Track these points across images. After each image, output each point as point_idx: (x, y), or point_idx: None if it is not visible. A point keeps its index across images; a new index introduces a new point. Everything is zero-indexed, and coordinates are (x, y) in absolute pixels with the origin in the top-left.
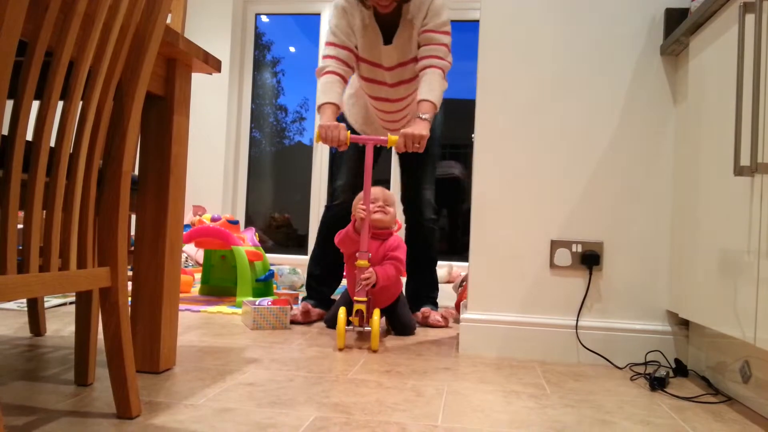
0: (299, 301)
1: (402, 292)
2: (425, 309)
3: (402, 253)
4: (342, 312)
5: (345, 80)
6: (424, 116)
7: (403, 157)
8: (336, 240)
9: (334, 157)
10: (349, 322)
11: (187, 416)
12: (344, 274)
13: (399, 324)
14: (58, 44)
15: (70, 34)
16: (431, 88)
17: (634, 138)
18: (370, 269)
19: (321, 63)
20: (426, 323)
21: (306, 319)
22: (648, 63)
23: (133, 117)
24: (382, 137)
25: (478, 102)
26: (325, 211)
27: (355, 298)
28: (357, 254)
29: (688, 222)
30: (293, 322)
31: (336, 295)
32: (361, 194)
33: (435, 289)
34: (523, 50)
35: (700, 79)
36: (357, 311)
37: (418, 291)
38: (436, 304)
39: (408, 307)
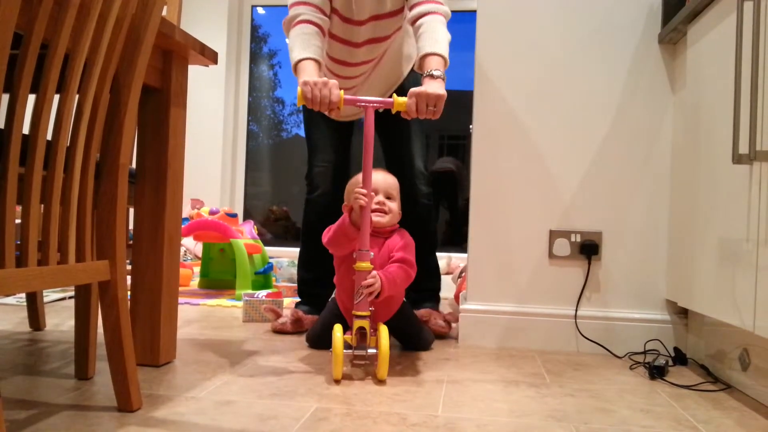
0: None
1: (405, 299)
2: (425, 311)
3: (411, 252)
4: (338, 330)
5: (323, 32)
6: (436, 73)
7: (384, 127)
8: (324, 240)
9: (308, 136)
10: (346, 344)
11: (188, 409)
12: (334, 279)
13: (413, 339)
14: (53, 36)
15: (65, 25)
16: (436, 38)
17: (632, 127)
18: (374, 273)
19: (290, 12)
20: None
21: (297, 329)
22: (646, 52)
23: (129, 109)
24: (386, 99)
25: (476, 93)
26: (305, 205)
27: (355, 311)
28: (355, 254)
29: (687, 211)
30: (281, 332)
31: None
32: (356, 177)
33: (436, 278)
34: (521, 40)
35: (698, 68)
36: (358, 329)
37: (417, 283)
38: (438, 298)
39: (417, 318)
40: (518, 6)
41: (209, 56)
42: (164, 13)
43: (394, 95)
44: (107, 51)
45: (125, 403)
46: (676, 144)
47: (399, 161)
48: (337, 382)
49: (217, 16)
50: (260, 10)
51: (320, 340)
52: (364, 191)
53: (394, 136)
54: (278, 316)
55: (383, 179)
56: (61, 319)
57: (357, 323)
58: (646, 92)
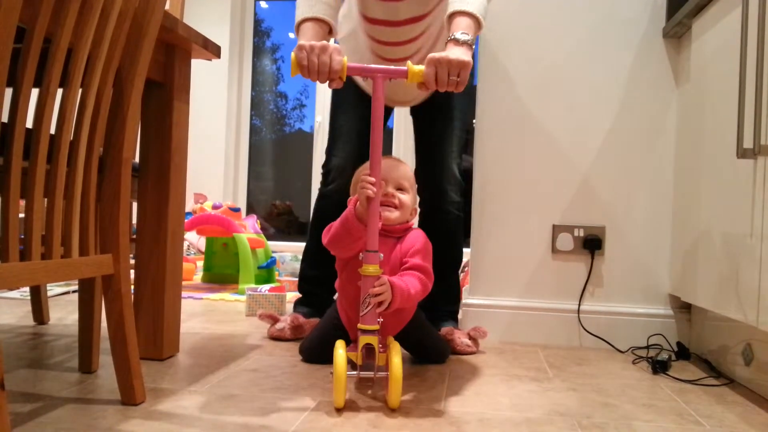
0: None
1: (417, 309)
2: (447, 328)
3: (428, 258)
4: (341, 346)
5: None
6: (461, 37)
7: (420, 115)
8: (325, 239)
9: (332, 120)
10: (349, 363)
11: (192, 402)
12: (336, 284)
13: (427, 351)
14: (56, 30)
15: (68, 19)
16: None
17: (636, 121)
18: (384, 279)
19: None
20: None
21: (297, 335)
22: (650, 46)
23: (132, 103)
24: (399, 67)
25: (479, 88)
26: (317, 198)
27: (360, 325)
28: (361, 256)
29: (691, 205)
30: (280, 339)
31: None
32: (366, 165)
33: (456, 300)
34: (524, 35)
35: (702, 62)
36: (364, 346)
37: (434, 303)
38: (457, 319)
39: (432, 327)
40: (521, 0)
41: (212, 50)
42: (167, 6)
43: (408, 63)
44: (110, 45)
45: (129, 396)
46: (680, 138)
47: (429, 160)
48: (338, 411)
49: (220, 10)
50: (263, 4)
51: (317, 354)
52: (372, 179)
53: (429, 129)
54: (275, 320)
55: (394, 167)
56: (64, 313)
57: (363, 339)
58: (650, 86)
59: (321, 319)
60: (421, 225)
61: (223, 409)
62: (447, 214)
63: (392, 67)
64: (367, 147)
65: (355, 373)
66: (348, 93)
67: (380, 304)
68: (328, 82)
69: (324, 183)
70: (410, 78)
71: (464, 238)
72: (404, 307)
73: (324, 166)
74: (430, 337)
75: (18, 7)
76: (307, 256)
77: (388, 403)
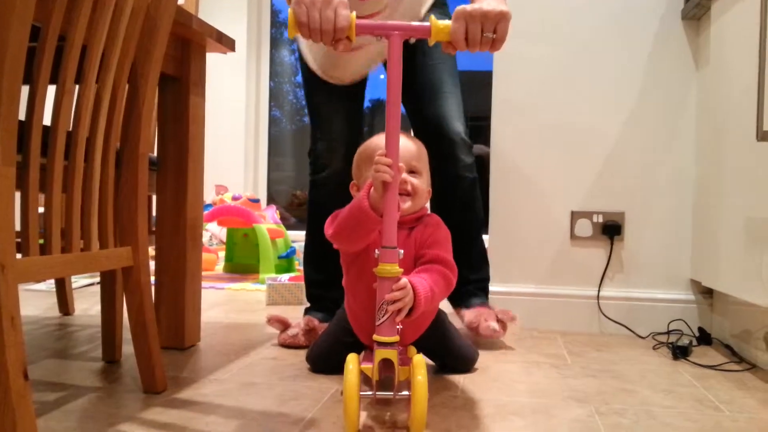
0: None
1: (439, 310)
2: (474, 314)
3: (448, 249)
4: (353, 361)
5: None
6: None
7: (412, 79)
8: (329, 231)
9: (308, 101)
10: (365, 379)
11: (212, 390)
12: (344, 282)
13: (451, 359)
14: (70, 27)
15: (82, 17)
16: None
17: (655, 105)
18: (404, 281)
19: None
20: (475, 333)
21: (311, 340)
22: (669, 28)
23: (147, 98)
24: (420, 23)
25: (495, 73)
26: (310, 188)
27: (376, 336)
28: (377, 253)
29: (712, 189)
30: (294, 346)
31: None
32: (369, 143)
33: (484, 266)
34: (541, 19)
35: (722, 43)
36: (382, 361)
37: (461, 275)
38: (487, 290)
39: (456, 331)
40: None
41: (227, 44)
42: (182, 1)
43: (432, 17)
44: (124, 41)
45: (150, 384)
46: (700, 121)
47: (429, 123)
48: None
49: (237, 3)
50: None
51: (326, 363)
52: (389, 161)
53: (420, 86)
54: (286, 326)
55: (405, 147)
56: (89, 304)
57: (380, 353)
58: (670, 69)
59: (329, 324)
60: (435, 196)
61: (243, 397)
62: (462, 180)
63: (414, 23)
64: (350, 126)
65: (370, 393)
66: (308, 72)
67: (399, 311)
68: (333, 43)
69: (314, 171)
70: (434, 36)
71: (482, 200)
72: (429, 309)
73: (310, 153)
74: (455, 343)
75: (32, 6)
76: (309, 258)
77: (410, 430)
